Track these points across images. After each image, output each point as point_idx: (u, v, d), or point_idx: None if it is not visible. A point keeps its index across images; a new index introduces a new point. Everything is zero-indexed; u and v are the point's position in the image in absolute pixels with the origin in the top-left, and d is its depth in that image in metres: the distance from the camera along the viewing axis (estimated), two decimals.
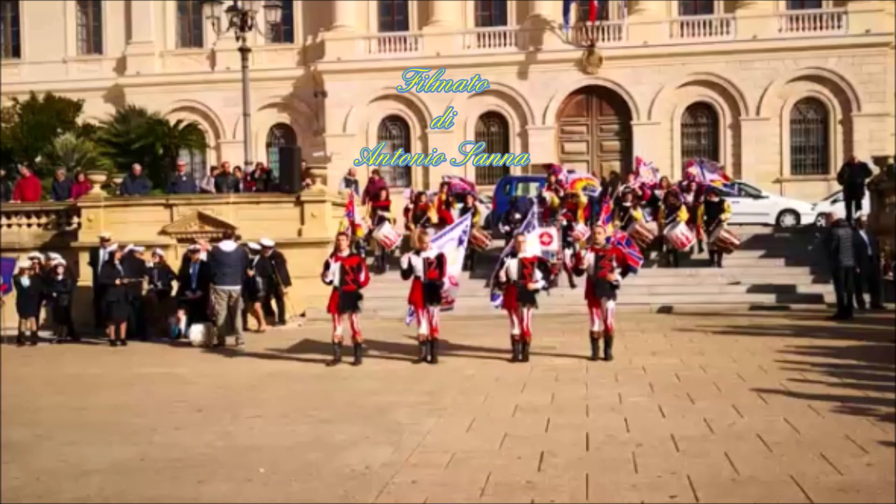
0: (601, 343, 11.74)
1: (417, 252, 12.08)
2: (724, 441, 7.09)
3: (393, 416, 8.47)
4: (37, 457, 7.43)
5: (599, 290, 11.66)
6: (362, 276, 12.08)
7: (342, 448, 7.29)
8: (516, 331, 11.82)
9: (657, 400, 8.84)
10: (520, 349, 11.83)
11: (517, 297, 11.71)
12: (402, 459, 6.85)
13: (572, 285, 17.94)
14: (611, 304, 11.70)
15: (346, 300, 12.00)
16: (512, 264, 11.72)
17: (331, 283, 12.05)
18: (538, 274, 11.81)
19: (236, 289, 15.25)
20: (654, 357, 11.75)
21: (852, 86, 32.34)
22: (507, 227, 18.82)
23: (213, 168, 23.81)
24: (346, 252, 12.12)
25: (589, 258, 11.78)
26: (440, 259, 11.98)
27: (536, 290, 11.86)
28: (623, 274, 11.86)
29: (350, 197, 19.14)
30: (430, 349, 12.02)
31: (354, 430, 7.96)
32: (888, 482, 5.84)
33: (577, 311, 16.29)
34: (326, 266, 12.09)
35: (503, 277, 11.83)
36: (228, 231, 16.54)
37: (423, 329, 12.02)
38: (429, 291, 11.92)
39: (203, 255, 16.28)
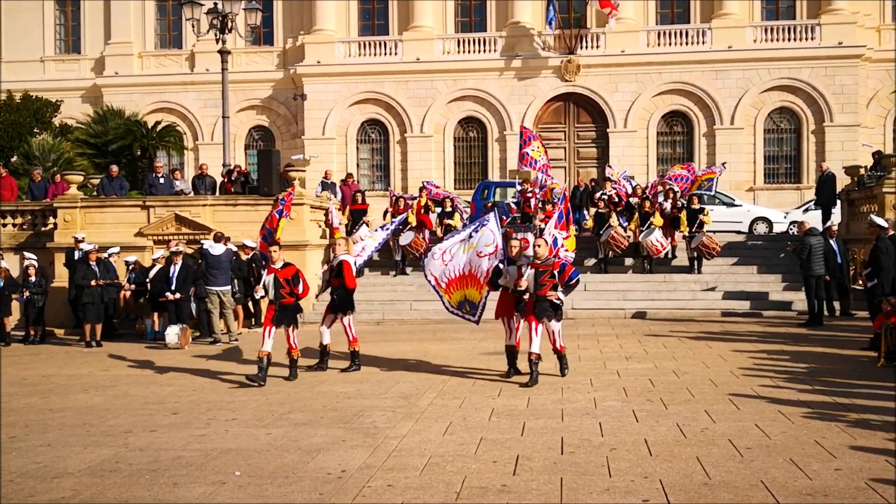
0: (557, 362, 10.72)
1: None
2: (697, 445, 7.19)
3: (369, 420, 8.50)
4: (9, 458, 7.39)
5: (539, 311, 10.30)
6: (300, 288, 11.18)
7: (318, 451, 7.31)
8: (512, 342, 10.78)
9: (631, 405, 8.93)
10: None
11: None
12: (379, 463, 6.89)
13: None
14: (557, 327, 10.46)
15: (283, 314, 11.13)
16: (529, 274, 10.35)
17: (263, 298, 11.47)
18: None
19: (225, 289, 15.58)
20: (628, 362, 11.85)
21: (825, 97, 32.85)
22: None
23: (172, 170, 23.31)
24: (279, 264, 11.23)
25: (529, 274, 10.33)
26: (340, 266, 11.61)
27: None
28: (567, 289, 10.45)
29: (327, 199, 19.15)
30: (351, 358, 11.76)
31: (330, 433, 7.97)
32: (856, 487, 5.96)
33: None
34: (258, 280, 11.65)
35: (506, 284, 10.64)
36: (219, 233, 16.59)
37: (326, 339, 11.82)
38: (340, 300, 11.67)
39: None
